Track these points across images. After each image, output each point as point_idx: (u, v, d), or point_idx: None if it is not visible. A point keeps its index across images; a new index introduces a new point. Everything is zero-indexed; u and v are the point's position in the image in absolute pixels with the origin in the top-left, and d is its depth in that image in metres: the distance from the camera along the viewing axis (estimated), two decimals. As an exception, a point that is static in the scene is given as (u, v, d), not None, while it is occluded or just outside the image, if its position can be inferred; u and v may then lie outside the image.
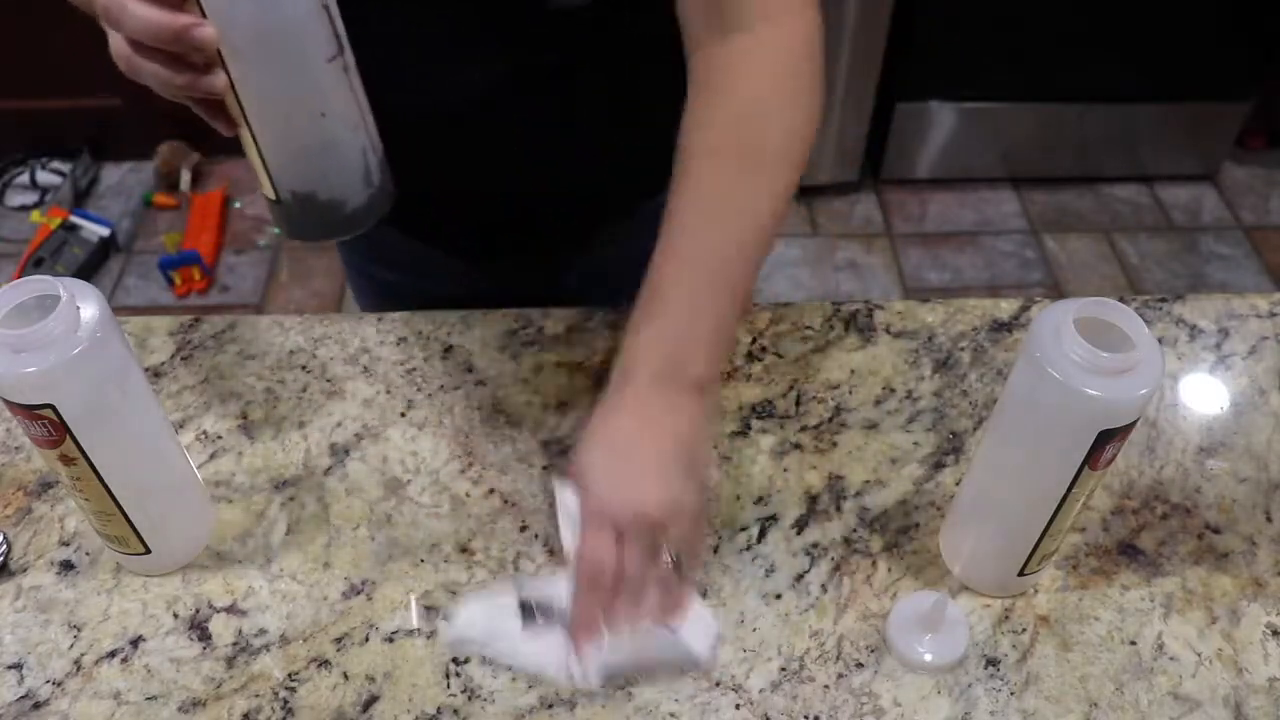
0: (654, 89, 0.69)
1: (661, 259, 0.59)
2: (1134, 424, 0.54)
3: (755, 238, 0.60)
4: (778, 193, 0.61)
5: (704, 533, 0.65)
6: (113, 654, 0.62)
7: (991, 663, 0.62)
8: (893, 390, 0.77)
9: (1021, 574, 0.63)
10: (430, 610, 0.64)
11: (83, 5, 0.61)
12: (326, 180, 0.56)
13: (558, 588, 0.59)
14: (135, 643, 0.62)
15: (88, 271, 2.17)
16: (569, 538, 0.64)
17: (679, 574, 0.57)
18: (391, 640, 0.62)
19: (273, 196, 0.56)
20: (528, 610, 0.59)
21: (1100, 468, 0.55)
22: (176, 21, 0.48)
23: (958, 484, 0.71)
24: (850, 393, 0.77)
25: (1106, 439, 0.53)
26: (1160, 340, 0.81)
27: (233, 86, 0.51)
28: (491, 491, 0.70)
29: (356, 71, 0.55)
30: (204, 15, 0.49)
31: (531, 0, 0.67)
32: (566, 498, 0.59)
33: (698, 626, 0.60)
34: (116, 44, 0.52)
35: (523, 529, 0.68)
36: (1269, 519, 0.70)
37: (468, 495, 0.70)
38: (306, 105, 0.53)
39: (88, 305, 0.54)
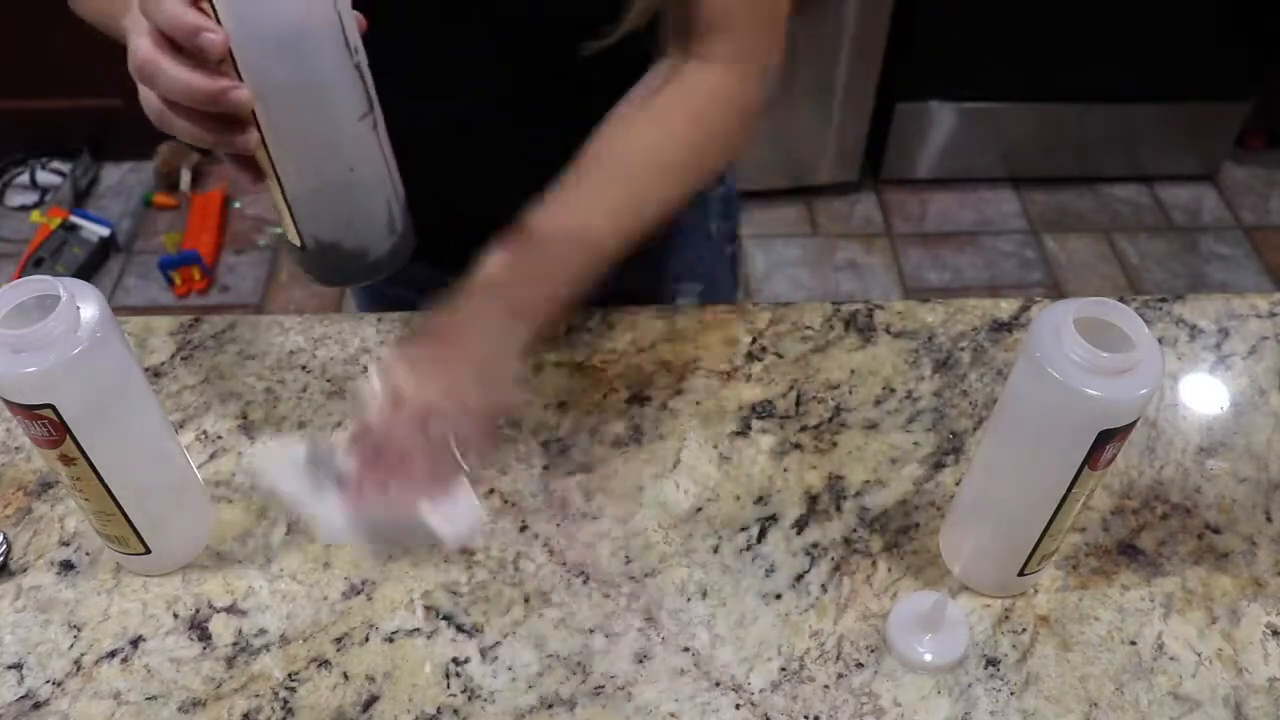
0: None
1: (553, 199, 0.64)
2: (1134, 424, 0.54)
3: (634, 223, 0.65)
4: (667, 201, 0.67)
5: (491, 437, 0.67)
6: (113, 654, 0.62)
7: (991, 663, 0.62)
8: (893, 390, 0.77)
9: (1022, 574, 0.63)
10: (430, 610, 0.64)
11: (106, 31, 0.61)
12: (352, 229, 0.57)
13: (342, 456, 0.60)
14: (135, 643, 0.62)
15: (88, 271, 2.17)
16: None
17: (454, 462, 0.59)
18: (391, 640, 0.62)
19: (297, 244, 0.57)
20: (314, 465, 0.60)
21: (1100, 468, 0.55)
22: (213, 86, 0.49)
23: (958, 484, 0.71)
24: (850, 393, 0.77)
25: (1107, 439, 0.53)
26: (1160, 340, 0.81)
27: (263, 141, 0.52)
28: (491, 491, 0.70)
29: (384, 125, 0.56)
30: (238, 75, 0.49)
31: (555, 31, 0.68)
32: (372, 383, 0.61)
33: (459, 509, 0.61)
34: (148, 98, 0.53)
35: (523, 529, 0.68)
36: (1269, 519, 0.70)
37: (468, 495, 0.70)
38: (336, 161, 0.55)
39: (88, 305, 0.54)
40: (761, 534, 0.68)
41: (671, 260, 0.93)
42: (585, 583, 0.65)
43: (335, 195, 0.56)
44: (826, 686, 0.61)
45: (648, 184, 0.67)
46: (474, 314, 0.62)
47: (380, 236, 0.59)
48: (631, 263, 0.64)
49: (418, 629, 0.63)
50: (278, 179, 0.54)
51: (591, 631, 0.63)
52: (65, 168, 2.36)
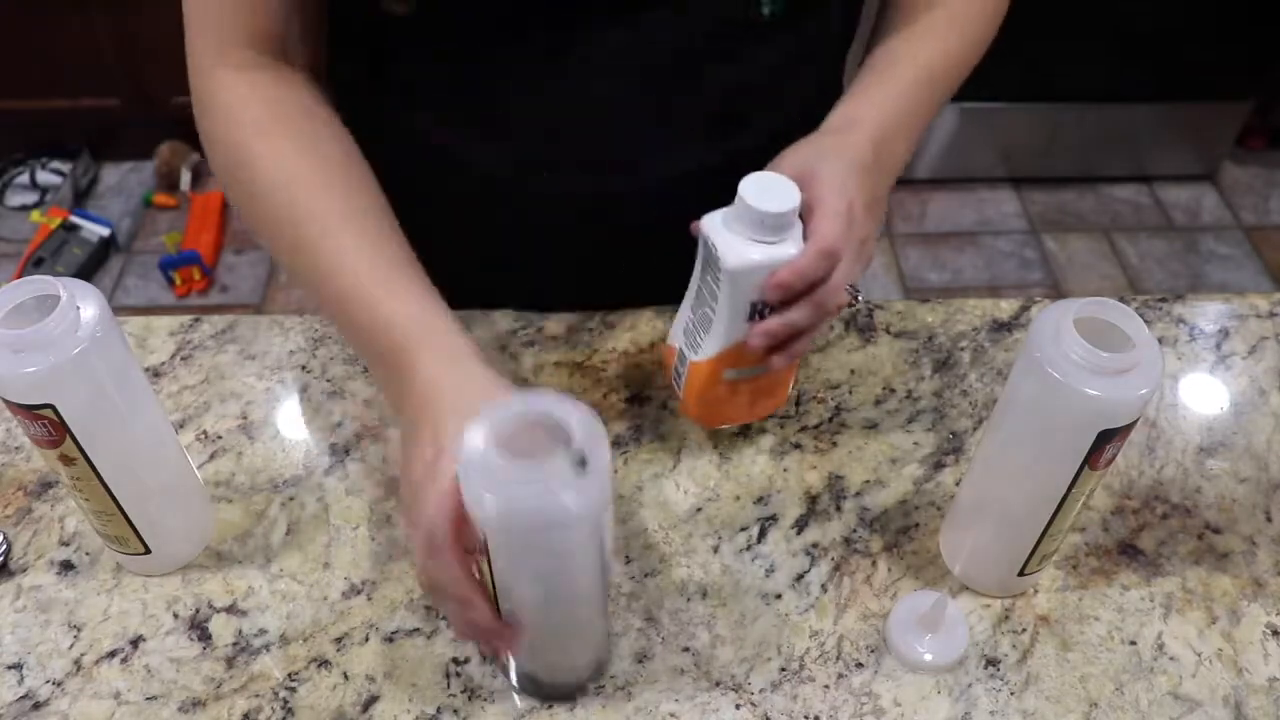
0: None
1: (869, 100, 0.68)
2: (1134, 424, 0.54)
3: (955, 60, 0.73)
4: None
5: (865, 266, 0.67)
6: (113, 654, 0.62)
7: (991, 663, 0.62)
8: (893, 390, 0.77)
9: (1022, 574, 0.63)
10: (430, 610, 0.64)
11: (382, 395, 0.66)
12: (563, 672, 0.60)
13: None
14: (135, 643, 0.62)
15: (88, 271, 2.17)
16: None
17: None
18: (391, 640, 0.62)
19: (510, 679, 0.61)
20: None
21: (1100, 467, 0.55)
22: (494, 644, 0.55)
23: (958, 484, 0.71)
24: (850, 393, 0.77)
25: (1106, 439, 0.53)
26: (1160, 340, 0.81)
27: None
28: (491, 491, 0.70)
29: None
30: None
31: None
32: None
33: None
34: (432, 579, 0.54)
35: (523, 529, 0.68)
36: (1269, 519, 0.70)
37: (468, 495, 0.70)
38: (575, 638, 0.58)
39: (88, 305, 0.54)
40: (761, 534, 0.68)
41: None
42: (585, 583, 0.65)
43: (562, 657, 0.59)
44: (826, 686, 0.61)
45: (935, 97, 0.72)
46: (871, 168, 0.63)
47: (587, 672, 0.61)
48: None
49: (418, 629, 0.63)
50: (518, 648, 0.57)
51: (591, 631, 0.63)
52: (65, 168, 2.36)
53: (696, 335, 0.64)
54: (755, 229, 0.58)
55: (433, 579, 0.52)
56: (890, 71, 0.70)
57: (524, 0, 0.64)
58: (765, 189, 0.58)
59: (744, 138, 0.73)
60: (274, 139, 0.63)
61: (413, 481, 0.52)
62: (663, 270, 0.71)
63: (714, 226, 0.60)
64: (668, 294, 0.71)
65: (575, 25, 0.65)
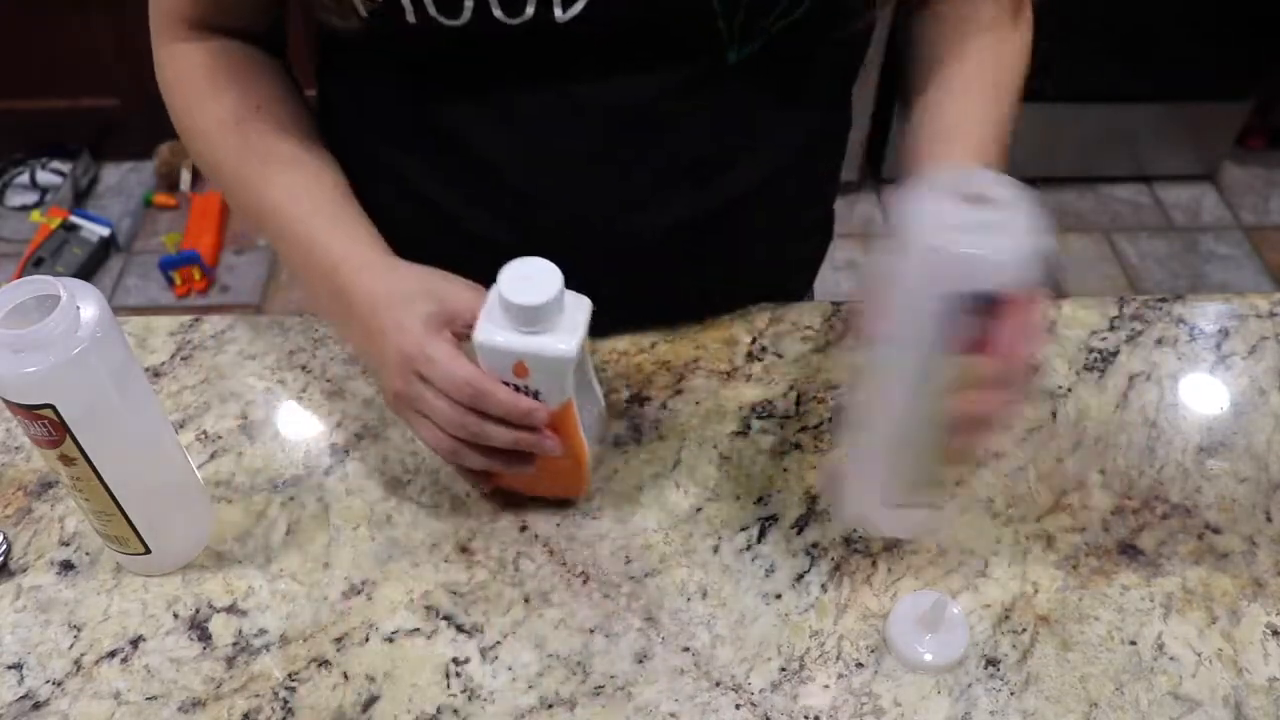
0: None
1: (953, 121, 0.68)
2: (1007, 301, 0.46)
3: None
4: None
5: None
6: (113, 654, 0.62)
7: (991, 663, 0.62)
8: (893, 390, 0.77)
9: (904, 505, 0.57)
10: (430, 610, 0.64)
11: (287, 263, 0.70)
12: None
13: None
14: (135, 643, 0.62)
15: (88, 271, 2.17)
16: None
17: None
18: (391, 640, 0.62)
19: None
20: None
21: (964, 350, 0.47)
22: (537, 442, 0.61)
23: (958, 484, 0.71)
24: (850, 393, 0.77)
25: (965, 308, 0.46)
26: (1160, 340, 0.81)
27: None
28: (492, 492, 0.70)
29: None
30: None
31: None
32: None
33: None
34: (438, 439, 0.62)
35: (523, 529, 0.68)
36: (1269, 519, 0.70)
37: (468, 495, 0.70)
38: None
39: (88, 305, 0.54)
40: (761, 534, 0.68)
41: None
42: (585, 583, 0.65)
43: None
44: (826, 686, 0.61)
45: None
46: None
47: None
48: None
49: (418, 629, 0.63)
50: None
51: (591, 631, 0.63)
52: (65, 168, 2.36)
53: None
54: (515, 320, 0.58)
55: (482, 418, 0.59)
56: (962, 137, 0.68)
57: (483, 60, 0.65)
58: (524, 278, 0.57)
59: (733, 182, 0.72)
60: (219, 84, 0.70)
61: (409, 356, 0.59)
62: (657, 312, 0.76)
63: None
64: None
65: (539, 84, 0.66)
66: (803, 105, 0.73)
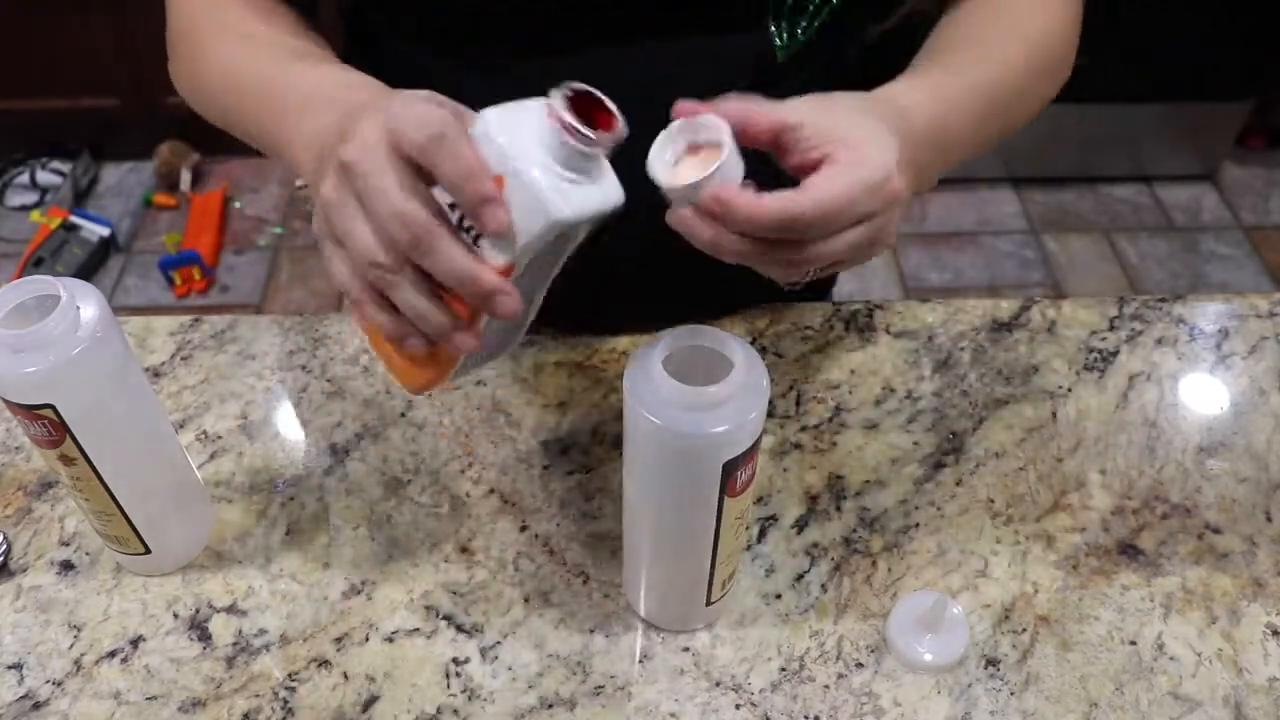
0: None
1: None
2: (758, 443, 0.51)
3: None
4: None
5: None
6: (113, 654, 0.62)
7: (991, 663, 0.62)
8: (893, 390, 0.77)
9: (710, 604, 0.61)
10: (430, 610, 0.64)
11: (234, 131, 0.64)
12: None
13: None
14: (135, 643, 0.62)
15: (88, 271, 2.17)
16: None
17: None
18: (391, 640, 0.62)
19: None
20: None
21: (740, 492, 0.53)
22: (493, 284, 0.45)
23: (958, 484, 0.71)
24: (850, 393, 0.77)
25: (734, 467, 0.51)
26: (1160, 340, 0.81)
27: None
28: (491, 491, 0.70)
29: None
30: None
31: None
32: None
33: None
34: (339, 265, 0.48)
35: (523, 529, 0.68)
36: (1269, 519, 0.70)
37: (468, 495, 0.70)
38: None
39: (88, 305, 0.54)
40: (761, 534, 0.68)
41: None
42: (585, 583, 0.65)
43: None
44: (826, 686, 0.61)
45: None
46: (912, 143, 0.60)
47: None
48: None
49: (418, 629, 0.63)
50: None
51: (591, 631, 0.63)
52: (65, 168, 2.36)
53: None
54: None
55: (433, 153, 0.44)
56: (951, 57, 0.68)
57: (515, 34, 0.63)
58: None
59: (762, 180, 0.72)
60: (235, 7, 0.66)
61: (363, 130, 0.46)
62: (658, 311, 0.73)
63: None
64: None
65: (574, 59, 0.65)
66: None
